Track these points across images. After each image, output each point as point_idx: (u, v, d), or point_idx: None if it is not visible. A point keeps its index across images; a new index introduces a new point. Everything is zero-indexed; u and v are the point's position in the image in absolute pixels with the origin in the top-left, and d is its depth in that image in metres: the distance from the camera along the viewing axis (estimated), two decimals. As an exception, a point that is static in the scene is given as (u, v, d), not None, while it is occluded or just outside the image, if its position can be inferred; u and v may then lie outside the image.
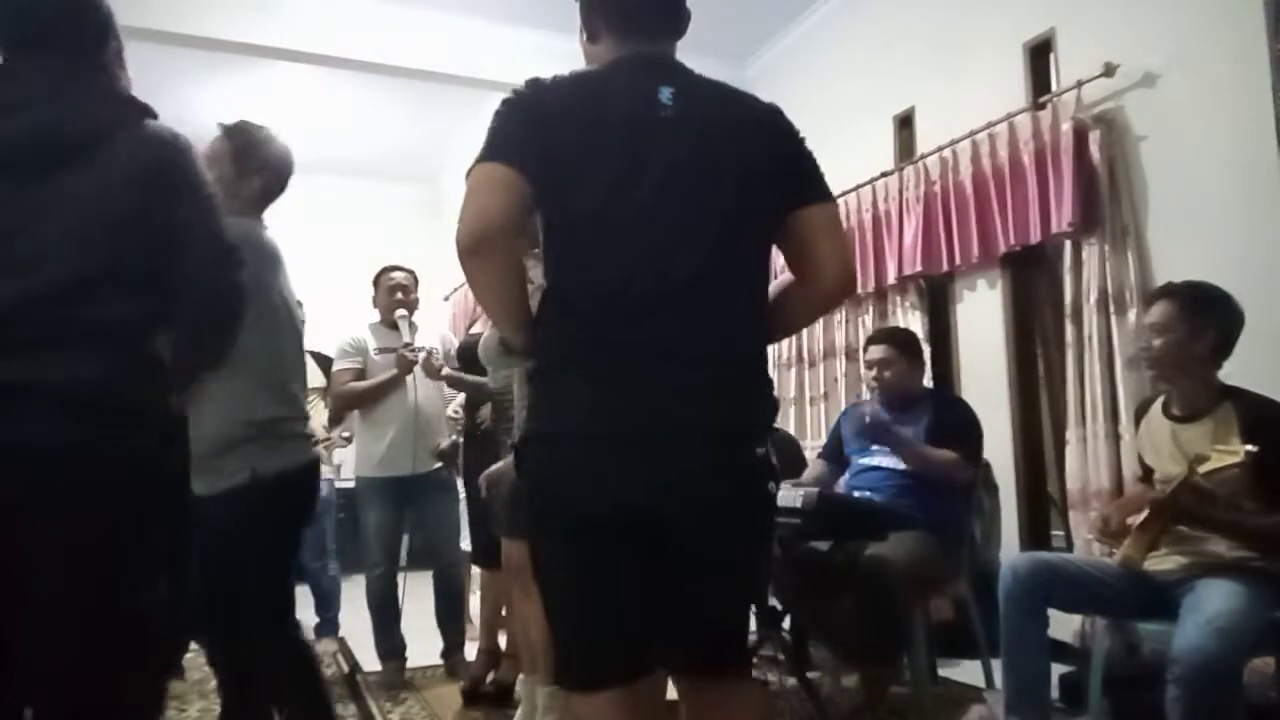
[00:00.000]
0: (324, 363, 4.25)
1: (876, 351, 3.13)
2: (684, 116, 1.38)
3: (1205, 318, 2.26)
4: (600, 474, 1.32)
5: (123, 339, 1.39)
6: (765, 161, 1.43)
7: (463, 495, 3.88)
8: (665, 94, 1.39)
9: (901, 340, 3.20)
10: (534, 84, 1.41)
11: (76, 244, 1.36)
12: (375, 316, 3.78)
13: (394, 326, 3.62)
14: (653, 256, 1.35)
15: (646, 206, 1.35)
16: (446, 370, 3.50)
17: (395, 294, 3.69)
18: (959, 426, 2.99)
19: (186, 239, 1.44)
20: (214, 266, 1.47)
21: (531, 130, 1.36)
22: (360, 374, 3.64)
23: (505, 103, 1.39)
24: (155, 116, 1.51)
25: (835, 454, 3.25)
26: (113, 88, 1.53)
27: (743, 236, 1.43)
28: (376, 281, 3.79)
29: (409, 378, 3.57)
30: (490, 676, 3.31)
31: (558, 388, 1.38)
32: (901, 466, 2.94)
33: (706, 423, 1.35)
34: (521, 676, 2.80)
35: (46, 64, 1.46)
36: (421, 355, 3.54)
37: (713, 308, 1.37)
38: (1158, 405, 2.44)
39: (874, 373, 3.13)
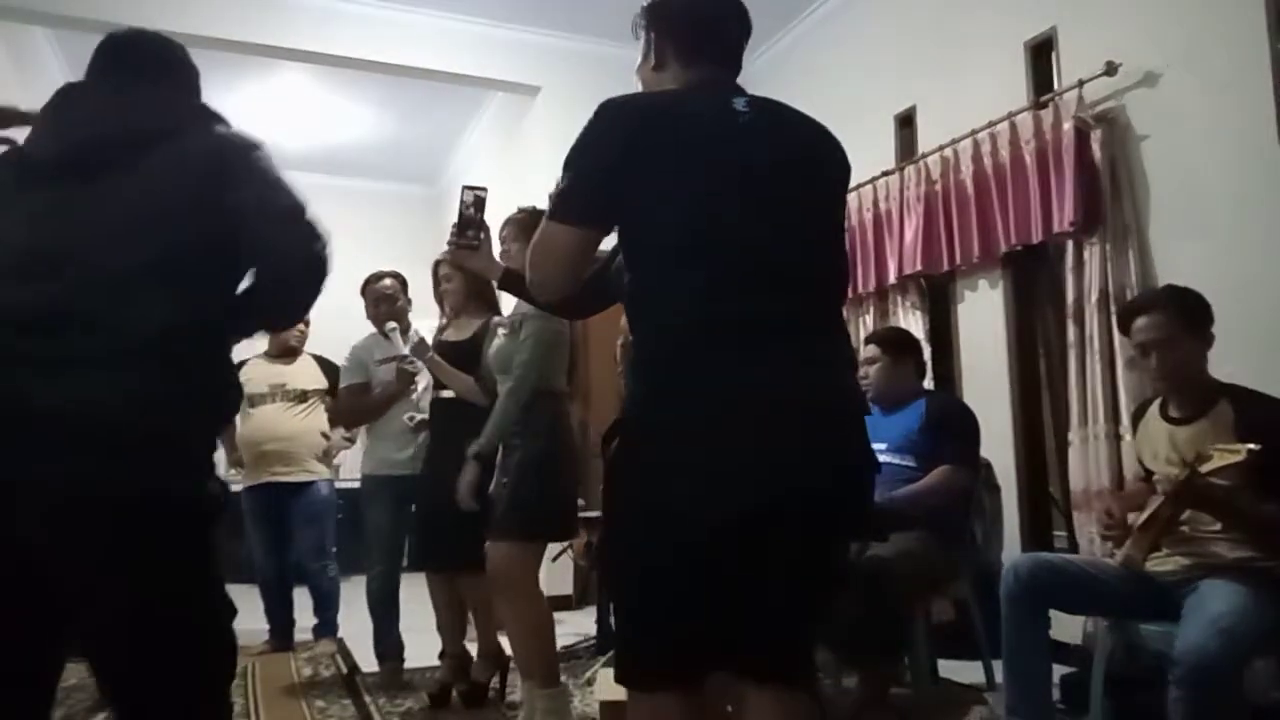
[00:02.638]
0: (324, 364, 4.25)
1: (863, 353, 3.18)
2: (760, 121, 1.46)
3: (1204, 325, 2.25)
4: (716, 473, 1.30)
5: (166, 349, 1.28)
6: (832, 176, 1.54)
7: None
8: (740, 103, 1.46)
9: (884, 339, 3.21)
10: (613, 110, 1.43)
11: (125, 244, 1.29)
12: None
13: (386, 337, 3.57)
14: (747, 261, 1.37)
15: (742, 207, 1.39)
16: (436, 358, 3.32)
17: (380, 305, 3.59)
18: (953, 427, 2.98)
19: (262, 213, 1.38)
20: (299, 235, 1.40)
21: (612, 167, 1.40)
22: (366, 386, 3.63)
23: (588, 135, 1.42)
24: (227, 124, 1.50)
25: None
26: (183, 97, 1.55)
27: (828, 229, 1.52)
28: (363, 291, 3.68)
29: None
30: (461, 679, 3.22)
31: (671, 379, 1.38)
32: (902, 461, 2.94)
33: (825, 427, 1.35)
34: (521, 682, 2.78)
35: (122, 82, 1.49)
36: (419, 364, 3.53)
37: (811, 312, 1.43)
38: (1154, 408, 2.43)
39: (862, 373, 3.15)
